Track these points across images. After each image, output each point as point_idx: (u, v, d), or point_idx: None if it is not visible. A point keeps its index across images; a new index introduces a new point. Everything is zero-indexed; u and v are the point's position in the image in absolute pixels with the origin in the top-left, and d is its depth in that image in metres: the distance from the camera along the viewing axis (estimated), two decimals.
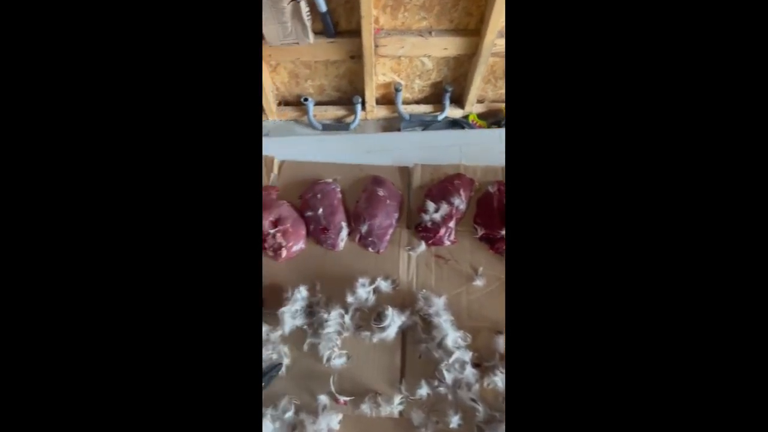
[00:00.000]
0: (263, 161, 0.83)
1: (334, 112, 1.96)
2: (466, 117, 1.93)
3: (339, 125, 1.97)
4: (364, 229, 0.75)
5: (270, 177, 0.82)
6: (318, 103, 1.94)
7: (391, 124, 1.96)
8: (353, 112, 1.91)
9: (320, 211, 0.76)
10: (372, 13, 1.53)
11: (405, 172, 0.82)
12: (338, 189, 0.80)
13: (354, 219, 0.77)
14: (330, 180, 0.81)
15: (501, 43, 1.60)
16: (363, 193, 0.79)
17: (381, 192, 0.77)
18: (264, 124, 2.02)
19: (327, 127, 1.95)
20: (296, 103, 1.96)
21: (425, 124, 1.90)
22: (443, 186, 0.78)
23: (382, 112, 1.96)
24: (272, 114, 1.92)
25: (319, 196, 0.78)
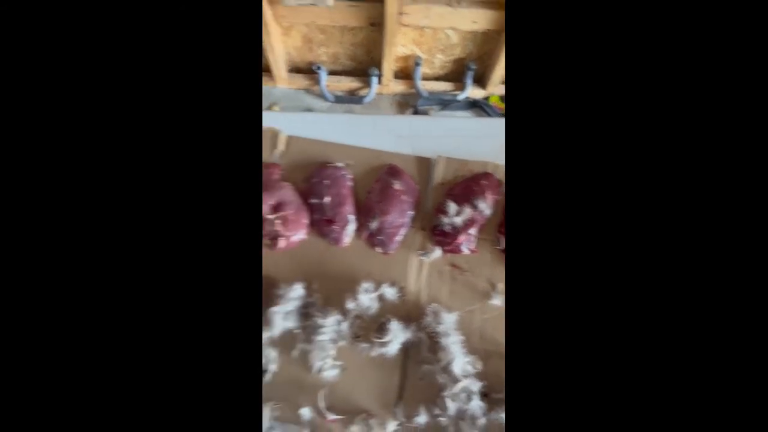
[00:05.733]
0: (268, 134, 0.73)
1: (347, 83, 1.84)
2: (487, 98, 1.82)
3: (352, 98, 1.85)
4: (373, 225, 0.66)
5: (274, 154, 0.73)
6: (331, 73, 1.81)
7: (407, 101, 1.85)
8: (368, 84, 1.79)
9: (327, 199, 0.67)
10: None
11: (425, 164, 0.73)
12: (349, 176, 0.71)
13: (363, 213, 0.68)
14: (341, 165, 0.71)
15: None
16: (376, 184, 0.70)
17: (397, 185, 0.68)
18: (272, 91, 1.89)
19: (339, 99, 1.83)
20: (308, 71, 1.83)
21: (444, 103, 1.79)
22: (468, 186, 0.69)
23: (398, 86, 1.84)
24: (282, 81, 1.79)
25: (326, 182, 0.69)
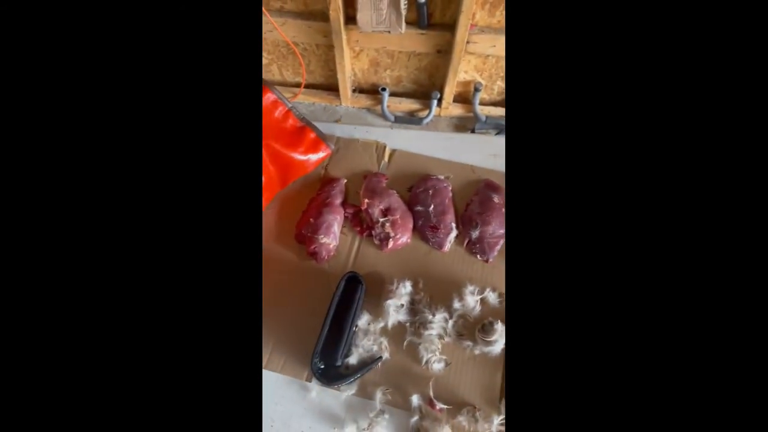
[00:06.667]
0: (375, 147, 0.81)
1: (408, 104, 1.93)
2: None
3: (411, 119, 1.94)
4: (474, 234, 0.72)
5: (380, 164, 0.81)
6: (392, 94, 1.91)
7: (464, 124, 1.92)
8: (427, 106, 1.88)
9: (431, 207, 0.74)
10: (472, 9, 1.48)
11: None
12: (450, 188, 0.77)
13: (464, 222, 0.74)
14: (442, 177, 0.78)
15: None
16: (475, 197, 0.76)
17: (496, 199, 0.74)
18: (336, 109, 2.01)
19: (399, 119, 1.92)
20: (371, 91, 1.93)
21: (500, 128, 1.85)
22: None
23: (456, 110, 1.92)
24: (346, 100, 1.90)
25: (430, 192, 0.75)
